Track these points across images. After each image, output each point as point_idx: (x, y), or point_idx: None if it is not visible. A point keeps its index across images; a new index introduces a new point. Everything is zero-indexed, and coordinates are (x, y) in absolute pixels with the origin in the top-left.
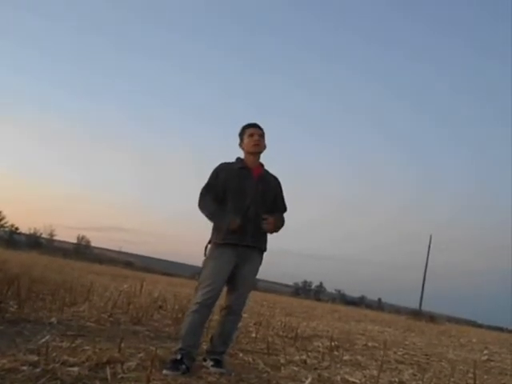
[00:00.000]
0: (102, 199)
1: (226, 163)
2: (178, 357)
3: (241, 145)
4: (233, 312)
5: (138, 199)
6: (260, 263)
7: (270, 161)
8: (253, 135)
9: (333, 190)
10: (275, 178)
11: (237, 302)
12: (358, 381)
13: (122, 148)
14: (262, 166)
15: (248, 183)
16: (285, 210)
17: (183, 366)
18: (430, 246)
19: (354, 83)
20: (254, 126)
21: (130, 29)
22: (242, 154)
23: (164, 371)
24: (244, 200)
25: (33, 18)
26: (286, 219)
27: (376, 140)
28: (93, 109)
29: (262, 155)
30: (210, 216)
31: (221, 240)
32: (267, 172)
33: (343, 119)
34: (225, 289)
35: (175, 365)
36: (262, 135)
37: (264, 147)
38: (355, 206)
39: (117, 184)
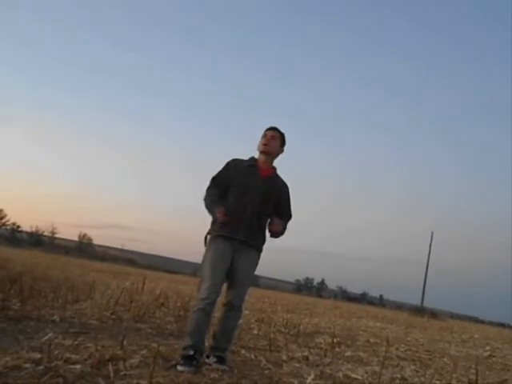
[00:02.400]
0: (104, 197)
1: (238, 159)
2: (191, 353)
3: (258, 146)
4: (233, 308)
5: (139, 197)
6: (256, 261)
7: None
8: (266, 136)
9: (334, 187)
10: (284, 184)
11: (236, 297)
12: (360, 377)
13: (122, 146)
14: (273, 168)
15: (253, 181)
16: (289, 217)
17: (195, 362)
18: (431, 243)
19: (352, 82)
20: (271, 129)
21: (127, 28)
22: (257, 153)
23: (179, 367)
24: (245, 196)
25: (29, 18)
26: (288, 226)
27: (377, 138)
28: (93, 108)
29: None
30: (206, 208)
31: (216, 232)
32: (277, 176)
33: (343, 118)
34: (224, 285)
35: (189, 360)
36: (274, 137)
37: (276, 149)
38: (357, 203)
39: (118, 182)
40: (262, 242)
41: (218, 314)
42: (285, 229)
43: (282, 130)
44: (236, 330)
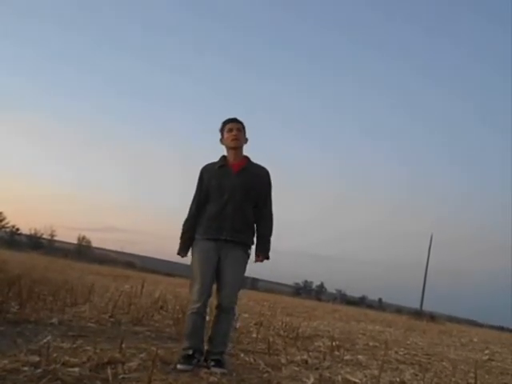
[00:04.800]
0: (103, 199)
1: (208, 164)
2: (190, 352)
3: (221, 140)
4: (224, 310)
5: (138, 199)
6: (245, 258)
7: (264, 161)
8: (231, 130)
9: (334, 189)
10: (262, 169)
11: (226, 299)
12: (359, 380)
13: (121, 148)
14: (246, 158)
15: (227, 180)
16: (269, 213)
17: (195, 360)
18: (430, 246)
19: (344, 82)
20: (233, 120)
21: (119, 28)
22: (224, 150)
23: (178, 366)
24: (222, 197)
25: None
26: (284, 219)
27: (376, 139)
28: (93, 110)
29: (251, 151)
30: (180, 239)
31: (200, 235)
32: (252, 164)
33: (342, 119)
34: (215, 288)
35: (187, 359)
36: (240, 129)
37: (244, 141)
38: (355, 205)
39: (117, 184)
40: (251, 235)
41: (211, 317)
42: (269, 249)
43: (240, 119)
44: (230, 333)
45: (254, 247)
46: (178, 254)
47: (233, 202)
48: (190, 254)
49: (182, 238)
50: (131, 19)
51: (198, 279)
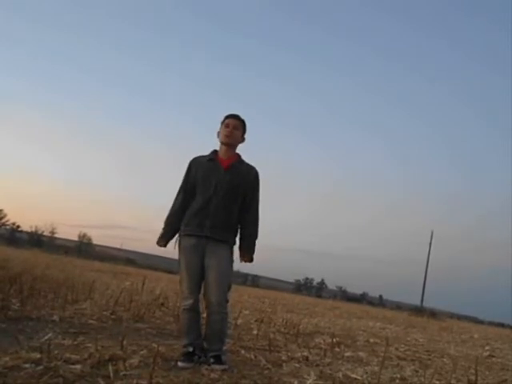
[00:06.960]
0: (103, 197)
1: (198, 157)
2: (190, 349)
3: (218, 133)
4: (214, 310)
5: (137, 196)
6: (228, 255)
7: (263, 159)
8: (228, 126)
9: (334, 186)
10: (252, 169)
11: (214, 298)
12: (359, 377)
13: (122, 146)
14: (237, 156)
15: (214, 174)
16: (254, 215)
17: (196, 357)
18: (431, 242)
19: (342, 82)
20: (233, 116)
21: (112, 27)
22: (217, 144)
23: (179, 363)
24: (207, 191)
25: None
26: (285, 216)
27: (376, 136)
28: (93, 108)
29: (246, 149)
30: (162, 229)
31: (183, 231)
32: (242, 163)
33: (341, 119)
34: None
35: (188, 357)
36: (236, 127)
37: (240, 140)
38: (356, 202)
39: (118, 181)
40: (234, 235)
41: (204, 316)
42: (254, 251)
43: (243, 117)
44: (225, 330)
45: (236, 247)
46: (157, 243)
47: (216, 199)
48: (170, 245)
49: (163, 228)
50: (131, 19)
51: (186, 276)
